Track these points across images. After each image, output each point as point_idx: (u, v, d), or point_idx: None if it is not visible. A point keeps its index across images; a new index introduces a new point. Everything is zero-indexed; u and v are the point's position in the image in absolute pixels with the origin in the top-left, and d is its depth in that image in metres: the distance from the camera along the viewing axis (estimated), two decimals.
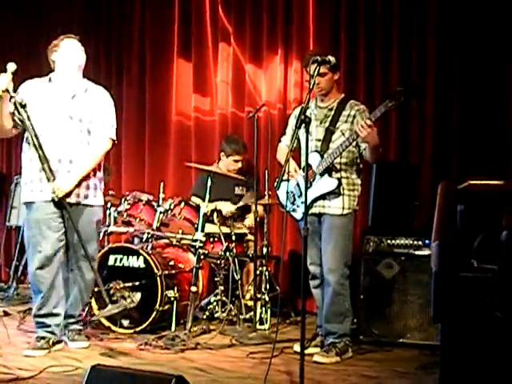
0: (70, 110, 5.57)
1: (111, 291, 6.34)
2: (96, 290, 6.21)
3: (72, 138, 5.55)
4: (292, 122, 5.98)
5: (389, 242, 6.16)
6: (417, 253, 6.08)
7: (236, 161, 7.52)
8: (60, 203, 5.49)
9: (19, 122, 5.49)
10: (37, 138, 5.40)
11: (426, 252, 5.99)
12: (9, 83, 5.30)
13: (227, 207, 7.08)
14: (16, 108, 5.39)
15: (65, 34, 5.81)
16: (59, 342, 5.65)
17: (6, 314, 6.94)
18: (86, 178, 5.61)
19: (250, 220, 7.30)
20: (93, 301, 6.37)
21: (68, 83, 5.67)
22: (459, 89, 6.85)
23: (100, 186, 5.82)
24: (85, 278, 5.74)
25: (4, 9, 9.53)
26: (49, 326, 5.58)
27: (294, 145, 5.14)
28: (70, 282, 5.74)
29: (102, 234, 6.85)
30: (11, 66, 5.32)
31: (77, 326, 5.84)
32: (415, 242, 6.10)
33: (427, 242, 5.99)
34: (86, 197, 5.63)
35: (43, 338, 5.55)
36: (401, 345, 5.95)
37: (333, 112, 5.69)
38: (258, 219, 6.79)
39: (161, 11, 8.66)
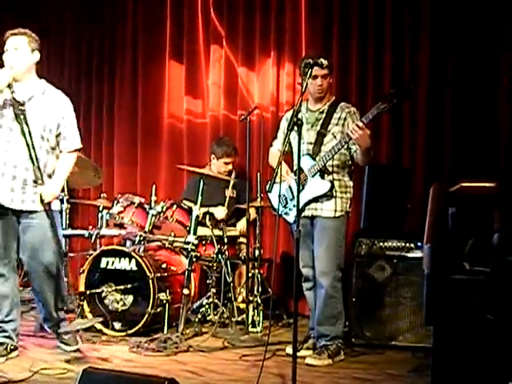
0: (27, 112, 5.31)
1: (103, 294, 6.35)
2: (88, 292, 6.23)
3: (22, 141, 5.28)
4: (283, 125, 5.99)
5: (381, 244, 6.16)
6: (409, 255, 6.09)
7: (226, 163, 7.50)
8: (45, 210, 5.34)
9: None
10: (30, 137, 5.24)
11: (418, 254, 6.00)
12: (10, 78, 5.24)
13: (220, 212, 7.07)
14: (14, 105, 5.25)
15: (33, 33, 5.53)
16: (16, 348, 5.51)
17: None
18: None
19: (241, 224, 7.30)
20: (85, 303, 6.37)
21: (23, 83, 5.41)
22: (451, 91, 6.87)
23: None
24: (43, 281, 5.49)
25: None
26: (5, 330, 5.46)
27: (286, 148, 5.14)
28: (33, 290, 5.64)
29: (93, 237, 6.86)
30: (8, 63, 5.27)
31: (63, 328, 5.66)
32: (407, 245, 6.11)
33: (419, 244, 6.00)
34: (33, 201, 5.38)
35: (1, 344, 5.43)
36: (393, 347, 5.96)
37: (324, 115, 5.70)
38: (250, 222, 6.79)
39: (153, 13, 8.64)
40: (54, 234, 5.37)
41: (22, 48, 5.38)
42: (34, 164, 5.26)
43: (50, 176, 5.44)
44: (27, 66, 5.40)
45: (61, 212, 6.96)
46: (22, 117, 5.24)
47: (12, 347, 5.45)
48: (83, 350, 5.64)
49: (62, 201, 6.98)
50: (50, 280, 5.46)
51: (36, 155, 5.26)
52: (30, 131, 5.25)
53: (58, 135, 5.47)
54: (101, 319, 6.16)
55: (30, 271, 5.51)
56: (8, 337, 5.45)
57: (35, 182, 5.29)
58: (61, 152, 5.53)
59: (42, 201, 5.31)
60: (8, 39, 5.41)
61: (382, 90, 6.93)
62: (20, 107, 5.25)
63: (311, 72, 5.13)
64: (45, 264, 5.39)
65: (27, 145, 5.25)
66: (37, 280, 5.50)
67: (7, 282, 5.45)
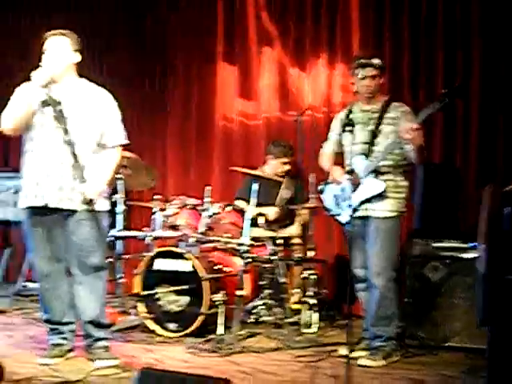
0: (66, 112, 5.26)
1: (158, 295, 6.40)
2: (143, 294, 6.29)
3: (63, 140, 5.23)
4: (335, 126, 5.98)
5: (435, 244, 6.13)
6: (463, 255, 6.04)
7: (284, 163, 7.52)
8: (89, 206, 5.24)
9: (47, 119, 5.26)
10: (69, 137, 5.18)
11: (472, 255, 5.94)
12: (48, 78, 5.21)
13: (271, 212, 7.09)
14: (51, 103, 5.22)
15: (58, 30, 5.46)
16: (72, 349, 5.49)
17: None
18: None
19: (293, 229, 7.30)
20: (140, 305, 6.42)
21: (64, 83, 5.37)
22: (505, 90, 6.80)
23: (107, 191, 5.52)
24: (85, 285, 5.36)
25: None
26: (62, 332, 5.47)
27: (339, 149, 5.15)
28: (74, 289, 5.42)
29: (148, 239, 6.91)
30: (46, 63, 5.25)
31: (103, 342, 5.42)
32: (461, 245, 6.06)
33: (473, 244, 5.95)
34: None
35: (58, 344, 5.44)
36: (447, 348, 5.92)
37: (377, 115, 5.68)
38: (303, 223, 6.80)
39: (205, 16, 8.70)
40: (99, 236, 5.32)
41: (63, 48, 5.35)
42: (75, 162, 5.18)
43: (95, 173, 5.35)
44: (67, 67, 5.37)
45: (114, 214, 7.01)
46: (60, 116, 5.22)
47: (69, 348, 5.48)
48: (139, 351, 5.69)
49: (115, 203, 7.05)
50: (93, 285, 5.35)
51: (76, 153, 5.20)
52: (67, 130, 5.20)
53: (102, 131, 5.40)
54: (152, 316, 6.19)
55: (76, 273, 5.36)
56: (65, 338, 5.48)
57: (77, 179, 5.20)
58: (105, 148, 5.44)
59: (85, 199, 5.20)
60: (48, 39, 5.38)
61: (435, 90, 6.89)
62: (58, 107, 5.23)
63: (364, 72, 5.11)
64: (93, 266, 5.31)
65: (68, 143, 5.20)
66: (81, 283, 5.35)
67: (59, 284, 5.44)
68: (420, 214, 6.46)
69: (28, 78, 5.37)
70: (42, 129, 5.29)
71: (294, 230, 7.34)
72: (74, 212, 5.26)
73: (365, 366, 5.40)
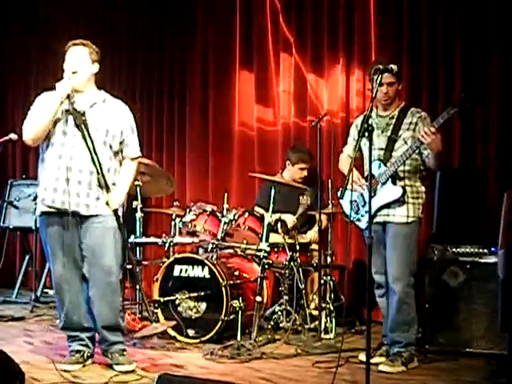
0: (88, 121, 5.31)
1: (177, 301, 6.41)
2: (162, 300, 6.30)
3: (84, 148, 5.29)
4: (353, 131, 5.99)
5: (454, 249, 6.10)
6: (483, 261, 6.01)
7: (302, 169, 7.53)
8: (97, 215, 5.33)
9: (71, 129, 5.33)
10: (93, 145, 5.25)
11: (492, 260, 5.92)
12: (70, 89, 5.27)
13: (290, 219, 7.09)
14: (74, 113, 5.28)
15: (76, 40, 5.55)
16: (92, 355, 5.54)
17: None
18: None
19: (312, 233, 7.30)
20: (159, 311, 6.43)
21: (84, 93, 5.45)
22: None
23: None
24: (98, 290, 5.40)
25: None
26: (82, 339, 5.50)
27: (357, 154, 5.14)
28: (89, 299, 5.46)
29: (167, 245, 6.93)
30: (68, 74, 5.32)
31: (119, 346, 5.48)
32: (481, 250, 6.04)
33: (493, 249, 5.93)
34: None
35: (78, 351, 5.47)
36: (467, 354, 5.88)
37: (394, 120, 5.68)
38: (321, 228, 6.80)
39: (222, 23, 8.73)
40: (112, 241, 5.39)
41: (83, 59, 5.42)
42: (98, 172, 5.27)
43: (113, 183, 5.46)
44: (87, 77, 5.44)
45: (135, 220, 7.09)
46: (83, 126, 5.27)
47: (89, 354, 5.50)
48: (157, 356, 5.70)
49: (135, 209, 7.09)
50: (108, 289, 5.39)
51: (99, 162, 5.27)
52: (91, 139, 5.26)
53: (121, 142, 5.50)
54: (173, 323, 6.21)
55: (89, 277, 5.41)
56: (85, 345, 5.50)
57: (101, 188, 5.29)
58: (124, 159, 5.56)
59: (107, 206, 5.31)
60: (69, 50, 5.47)
61: (453, 95, 6.86)
62: (81, 117, 5.27)
63: (381, 78, 5.10)
64: (104, 269, 5.35)
65: (90, 152, 5.25)
66: (94, 287, 5.40)
67: (76, 290, 5.46)
68: (439, 219, 6.44)
69: (47, 88, 5.45)
70: (62, 136, 5.35)
71: (312, 234, 7.33)
72: (89, 217, 5.34)
73: (384, 372, 5.39)
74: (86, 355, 5.48)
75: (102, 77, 5.59)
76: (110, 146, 5.43)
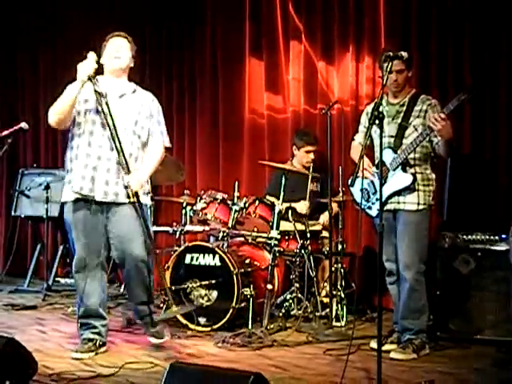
0: (115, 110, 5.45)
1: (188, 290, 6.43)
2: (173, 288, 6.32)
3: (109, 135, 5.41)
4: (364, 119, 5.98)
5: (465, 237, 6.09)
6: (494, 248, 5.99)
7: (308, 151, 7.52)
8: (135, 197, 5.44)
9: (89, 113, 5.47)
10: (115, 129, 5.36)
11: (503, 247, 5.91)
12: (93, 70, 5.37)
13: (302, 206, 7.09)
14: (96, 96, 5.40)
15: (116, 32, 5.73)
16: (104, 344, 5.60)
17: None
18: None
19: (325, 217, 7.30)
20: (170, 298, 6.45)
21: (116, 82, 5.63)
22: None
23: (148, 187, 5.86)
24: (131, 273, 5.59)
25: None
26: (95, 327, 5.56)
27: (367, 142, 5.14)
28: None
29: (177, 234, 6.94)
30: (92, 55, 5.39)
31: (147, 318, 5.69)
32: (492, 237, 6.02)
33: (504, 236, 5.92)
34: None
35: (90, 339, 5.52)
36: (478, 341, 5.87)
37: (405, 108, 5.67)
38: (332, 216, 6.79)
39: (232, 10, 8.71)
40: (142, 227, 5.48)
41: (126, 48, 5.64)
42: (119, 154, 5.37)
43: (139, 166, 5.58)
44: (127, 65, 5.65)
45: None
46: (104, 108, 5.38)
47: (101, 343, 5.54)
48: (169, 345, 5.72)
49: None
50: (138, 273, 5.54)
51: (121, 145, 5.37)
52: (114, 123, 5.37)
53: (147, 133, 5.64)
54: (194, 307, 6.25)
55: (120, 264, 5.63)
56: (97, 333, 5.55)
57: (122, 169, 5.39)
58: (144, 148, 5.66)
59: (128, 189, 5.40)
60: (112, 38, 5.65)
61: (463, 82, 6.84)
62: (102, 98, 5.39)
63: (391, 65, 5.08)
64: (133, 256, 5.48)
65: (112, 136, 5.37)
66: (126, 273, 5.61)
67: (97, 277, 5.54)
68: (449, 206, 6.44)
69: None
70: (92, 125, 5.47)
71: (323, 218, 7.32)
72: (117, 205, 5.46)
73: (395, 359, 5.40)
74: (98, 343, 5.51)
75: None
76: (139, 136, 5.58)
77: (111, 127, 5.36)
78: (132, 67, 5.73)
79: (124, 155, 5.38)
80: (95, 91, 5.39)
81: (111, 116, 5.38)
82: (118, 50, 5.59)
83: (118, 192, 5.43)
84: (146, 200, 5.67)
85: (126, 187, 5.40)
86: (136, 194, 5.43)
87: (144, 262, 5.53)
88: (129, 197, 5.42)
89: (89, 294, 5.52)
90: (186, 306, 6.27)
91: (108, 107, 5.39)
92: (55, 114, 5.47)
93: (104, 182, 5.40)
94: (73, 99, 5.38)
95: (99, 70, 5.55)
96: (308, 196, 7.10)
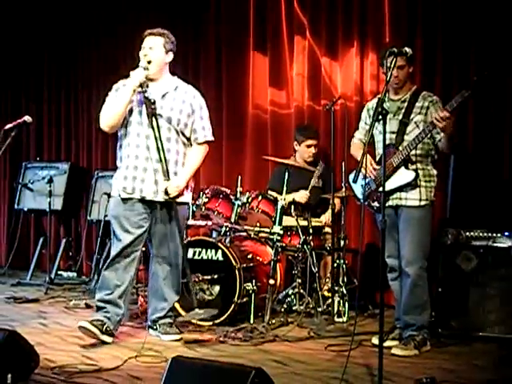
0: (158, 109, 5.63)
1: (190, 284, 6.43)
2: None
3: (154, 137, 5.60)
4: (365, 115, 5.98)
5: (467, 233, 6.09)
6: (496, 245, 6.00)
7: (309, 146, 7.52)
8: (170, 203, 5.66)
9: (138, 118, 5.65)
10: (159, 133, 5.53)
11: (505, 244, 5.91)
12: (143, 78, 5.54)
13: (301, 195, 7.11)
14: (145, 102, 5.56)
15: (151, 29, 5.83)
16: (112, 334, 5.63)
17: (88, 306, 7.10)
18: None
19: (326, 216, 7.29)
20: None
21: (157, 82, 5.76)
22: None
23: (191, 184, 5.95)
24: (165, 273, 5.87)
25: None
26: (108, 311, 5.64)
27: (369, 138, 5.13)
28: (153, 275, 5.90)
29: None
30: (143, 62, 5.58)
31: (167, 319, 5.90)
32: (494, 234, 6.02)
33: (507, 233, 5.92)
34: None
35: (99, 320, 5.57)
36: (480, 338, 5.88)
37: (406, 104, 5.67)
38: (335, 212, 6.80)
39: (236, 5, 8.71)
40: (178, 227, 5.73)
41: (157, 48, 5.72)
42: (161, 160, 5.54)
43: (180, 169, 5.78)
44: (160, 66, 5.73)
45: None
46: (153, 115, 5.53)
47: (108, 329, 5.58)
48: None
49: None
50: (172, 271, 5.82)
51: (164, 151, 5.55)
52: (159, 128, 5.55)
53: (191, 128, 5.80)
54: (215, 311, 6.26)
55: (155, 260, 5.84)
56: (108, 318, 5.61)
57: (163, 175, 5.57)
58: (191, 144, 5.85)
59: (167, 194, 5.59)
60: (145, 38, 5.75)
61: (468, 79, 6.82)
62: (152, 105, 5.54)
63: (396, 61, 5.06)
64: (170, 254, 5.76)
65: (156, 141, 5.53)
66: (161, 268, 5.81)
67: (129, 270, 5.70)
68: (452, 203, 6.44)
69: (122, 77, 5.76)
70: (138, 126, 5.66)
71: (325, 217, 7.33)
72: (164, 204, 5.70)
73: (397, 356, 5.40)
74: (105, 327, 5.56)
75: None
76: (183, 134, 5.75)
77: (157, 137, 5.53)
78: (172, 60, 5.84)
79: (166, 161, 5.56)
80: (145, 97, 5.56)
81: (158, 124, 5.55)
82: (147, 54, 5.67)
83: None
84: (187, 198, 5.89)
85: (165, 193, 5.58)
86: (173, 199, 5.62)
87: (180, 261, 5.84)
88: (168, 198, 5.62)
89: (117, 285, 5.66)
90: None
91: (155, 113, 5.56)
92: (109, 120, 5.68)
93: (153, 181, 5.63)
94: (125, 106, 5.60)
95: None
96: (309, 188, 7.13)
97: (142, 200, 5.66)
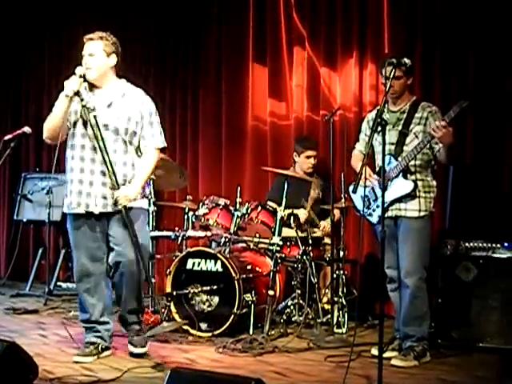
0: (104, 120, 5.38)
1: (190, 295, 6.43)
2: (175, 293, 6.32)
3: (99, 147, 5.35)
4: (365, 127, 5.98)
5: (467, 244, 6.09)
6: (495, 255, 6.00)
7: (308, 157, 7.52)
8: (122, 212, 5.39)
9: (80, 127, 5.42)
10: (103, 143, 5.29)
11: (505, 255, 5.91)
12: (80, 85, 5.28)
13: (301, 213, 7.10)
14: (84, 111, 5.33)
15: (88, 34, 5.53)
16: (108, 348, 5.57)
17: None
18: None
19: (326, 222, 7.27)
20: (172, 304, 6.45)
21: (102, 89, 5.50)
22: None
23: (146, 191, 5.70)
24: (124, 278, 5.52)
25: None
26: (98, 331, 5.54)
27: (369, 150, 5.14)
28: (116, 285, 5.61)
29: (179, 239, 6.94)
30: (80, 70, 5.32)
31: (135, 326, 5.62)
32: (494, 245, 6.02)
33: (506, 244, 5.92)
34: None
35: (92, 343, 5.50)
36: (480, 349, 5.87)
37: (405, 115, 5.67)
38: (334, 222, 6.80)
39: (236, 16, 8.72)
40: (131, 233, 5.40)
41: (97, 54, 5.42)
42: (108, 169, 5.32)
43: (130, 178, 5.51)
44: (103, 72, 5.46)
45: (148, 214, 7.08)
46: (93, 122, 5.30)
47: (103, 347, 5.52)
48: (150, 354, 5.63)
49: (148, 203, 7.10)
50: (130, 279, 5.47)
51: (110, 160, 5.32)
52: (103, 138, 5.31)
53: (139, 135, 5.50)
54: (186, 322, 6.24)
55: (113, 267, 5.52)
56: (100, 337, 5.53)
57: (112, 187, 5.35)
58: (141, 152, 5.56)
59: (116, 204, 5.36)
60: (85, 44, 5.48)
61: (467, 89, 6.84)
62: (90, 113, 5.31)
63: (395, 72, 5.08)
64: (128, 262, 5.42)
65: (100, 150, 5.31)
66: (118, 277, 5.50)
67: (99, 284, 5.54)
68: (452, 213, 6.44)
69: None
70: (82, 138, 5.43)
71: (325, 223, 7.30)
72: (115, 212, 5.43)
73: (396, 367, 5.39)
74: (100, 347, 5.50)
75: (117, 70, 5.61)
76: (131, 143, 5.48)
77: (100, 143, 5.31)
78: (117, 63, 5.55)
79: (114, 171, 5.33)
80: (83, 106, 5.32)
81: (100, 132, 5.32)
82: (87, 62, 5.41)
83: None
84: (142, 203, 5.59)
85: (115, 203, 5.37)
86: (125, 208, 5.37)
87: (136, 267, 5.45)
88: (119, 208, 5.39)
89: (93, 304, 5.53)
90: (176, 322, 6.28)
91: (96, 122, 5.32)
92: (47, 130, 5.46)
93: (101, 195, 5.40)
94: (62, 115, 5.32)
95: None
96: (309, 204, 7.12)
97: (91, 214, 5.42)
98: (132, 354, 5.57)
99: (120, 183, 5.37)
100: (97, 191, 5.39)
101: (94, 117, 5.33)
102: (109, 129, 5.38)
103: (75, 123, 5.43)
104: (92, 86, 5.46)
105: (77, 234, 5.51)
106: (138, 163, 5.52)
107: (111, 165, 5.33)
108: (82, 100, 5.32)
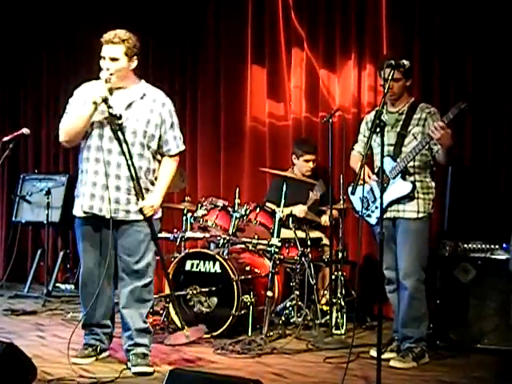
0: (124, 121, 5.19)
1: (188, 296, 6.43)
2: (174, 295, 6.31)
3: (120, 152, 5.20)
4: (363, 128, 5.99)
5: (465, 246, 6.09)
6: (494, 257, 6.00)
7: (307, 161, 7.53)
8: (147, 221, 5.27)
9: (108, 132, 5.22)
10: (129, 151, 5.14)
11: (503, 256, 5.91)
12: (107, 92, 5.09)
13: (299, 209, 7.10)
14: (110, 120, 5.15)
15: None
16: (106, 349, 5.53)
17: None
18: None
19: (326, 217, 7.24)
20: (170, 306, 6.44)
21: (122, 91, 5.32)
22: None
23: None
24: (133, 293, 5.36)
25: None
26: (97, 334, 5.47)
27: (367, 151, 5.14)
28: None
29: (178, 240, 6.94)
30: (104, 74, 5.15)
31: (143, 349, 5.32)
32: (492, 246, 6.02)
33: (505, 245, 5.92)
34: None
35: (91, 345, 5.45)
36: (478, 350, 5.88)
37: (404, 116, 5.67)
38: (333, 223, 6.79)
39: (234, 17, 8.72)
40: (150, 243, 5.34)
41: (120, 58, 5.22)
42: (133, 179, 5.16)
43: (152, 183, 5.37)
44: (125, 75, 5.29)
45: None
46: (119, 132, 5.14)
47: (101, 348, 5.49)
48: (169, 351, 5.67)
49: None
50: (139, 294, 5.33)
51: (135, 169, 5.17)
52: (127, 144, 5.16)
53: (159, 140, 5.35)
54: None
55: (122, 275, 5.37)
56: (99, 340, 5.48)
57: (136, 197, 5.21)
58: (163, 156, 5.42)
59: (142, 214, 5.24)
60: (105, 46, 5.24)
61: (465, 91, 6.84)
62: (117, 121, 5.12)
63: (393, 73, 5.07)
64: (137, 275, 5.31)
65: (125, 158, 5.14)
66: (126, 290, 5.34)
67: (104, 289, 5.36)
68: (450, 215, 6.43)
69: (85, 79, 5.40)
70: (99, 140, 5.24)
71: (325, 217, 7.29)
72: (127, 222, 5.30)
73: (395, 368, 5.39)
74: (98, 349, 5.47)
75: None
76: (149, 147, 5.31)
77: (126, 152, 5.15)
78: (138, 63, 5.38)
79: (138, 182, 5.19)
80: (109, 114, 5.12)
81: (125, 140, 5.16)
82: (109, 67, 5.21)
83: (130, 210, 5.26)
84: (160, 213, 5.50)
85: (140, 212, 5.24)
86: (149, 219, 5.28)
87: (147, 282, 5.36)
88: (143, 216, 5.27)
89: (95, 308, 5.40)
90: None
91: (122, 128, 5.15)
92: (66, 134, 5.28)
93: (114, 200, 5.20)
94: (86, 121, 5.16)
95: None
96: (309, 202, 7.12)
97: (102, 218, 5.24)
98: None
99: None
100: (110, 195, 5.18)
101: (120, 125, 5.15)
102: (127, 131, 5.21)
103: (92, 124, 5.24)
104: (111, 88, 5.23)
105: (86, 238, 5.38)
106: (153, 168, 5.37)
107: (136, 174, 5.18)
108: (109, 107, 5.12)
